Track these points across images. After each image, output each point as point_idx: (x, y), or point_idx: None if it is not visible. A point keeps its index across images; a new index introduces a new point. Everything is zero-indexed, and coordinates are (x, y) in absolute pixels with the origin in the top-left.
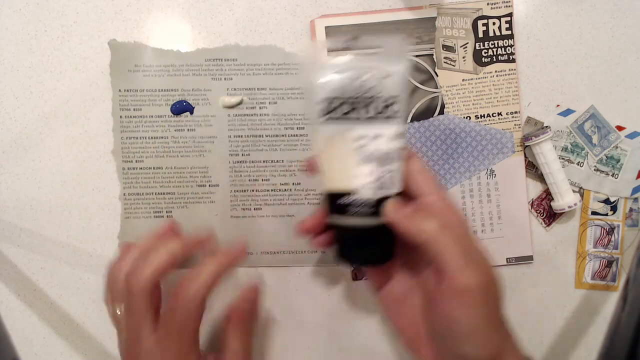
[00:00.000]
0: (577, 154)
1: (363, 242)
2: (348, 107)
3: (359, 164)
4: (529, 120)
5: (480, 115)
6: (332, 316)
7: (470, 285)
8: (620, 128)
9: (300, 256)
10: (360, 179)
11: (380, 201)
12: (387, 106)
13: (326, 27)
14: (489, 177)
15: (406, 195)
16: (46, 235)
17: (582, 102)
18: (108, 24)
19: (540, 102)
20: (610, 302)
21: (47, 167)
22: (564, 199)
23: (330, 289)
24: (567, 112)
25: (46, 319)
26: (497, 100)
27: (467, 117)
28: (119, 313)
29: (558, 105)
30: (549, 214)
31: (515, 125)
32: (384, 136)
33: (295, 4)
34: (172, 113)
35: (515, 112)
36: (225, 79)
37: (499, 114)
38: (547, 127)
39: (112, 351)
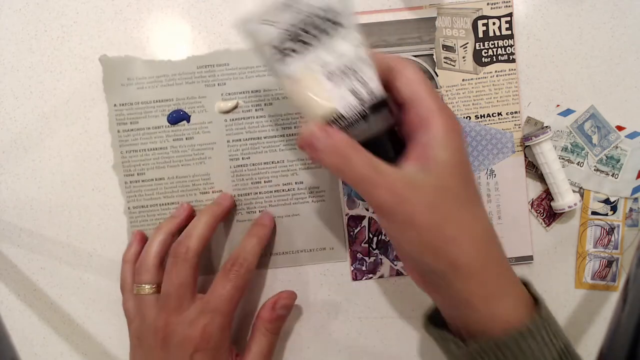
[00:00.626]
0: (577, 154)
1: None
2: (295, 40)
3: (330, 84)
4: (529, 120)
5: (480, 115)
6: (332, 316)
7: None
8: (620, 128)
9: (309, 255)
10: (336, 98)
11: (367, 111)
12: (329, 21)
13: None
14: (488, 177)
15: (401, 105)
16: (46, 235)
17: (582, 102)
18: (108, 24)
19: (540, 102)
20: (610, 302)
21: (47, 167)
22: (564, 199)
23: (330, 289)
24: (567, 112)
25: (46, 319)
26: (497, 100)
27: (467, 117)
28: (145, 293)
29: (558, 105)
30: (549, 214)
31: (515, 125)
32: (340, 50)
33: None
34: (169, 123)
35: (515, 112)
36: (218, 84)
37: (499, 114)
38: (547, 127)
39: (112, 351)
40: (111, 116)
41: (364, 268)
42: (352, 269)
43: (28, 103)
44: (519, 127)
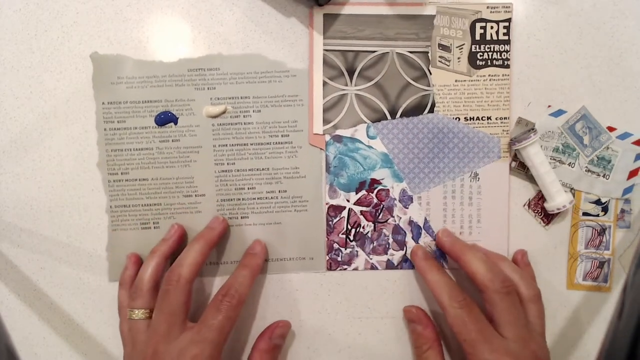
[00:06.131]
0: (569, 155)
1: None
2: None
3: None
4: (519, 121)
5: (470, 117)
6: (332, 316)
7: None
8: (611, 129)
9: (289, 263)
10: None
11: None
12: None
13: (324, 15)
14: (472, 180)
15: None
16: (46, 235)
17: (581, 102)
18: (108, 24)
19: (540, 102)
20: (603, 304)
21: (47, 167)
22: (555, 200)
23: (330, 289)
24: (558, 113)
25: (46, 319)
26: (488, 105)
27: (456, 118)
28: (137, 317)
29: (549, 106)
30: (547, 212)
31: (503, 130)
32: None
33: (295, 4)
34: (157, 124)
35: (505, 118)
36: (208, 88)
37: (489, 118)
38: (533, 129)
39: (112, 351)
40: (99, 114)
41: (339, 259)
42: (328, 258)
43: (28, 103)
44: (507, 134)
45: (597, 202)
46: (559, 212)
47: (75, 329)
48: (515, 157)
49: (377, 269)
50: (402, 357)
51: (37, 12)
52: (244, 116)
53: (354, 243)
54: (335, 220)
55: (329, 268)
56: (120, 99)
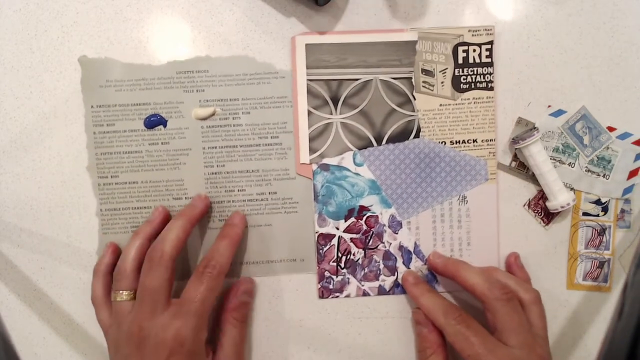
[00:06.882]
0: (569, 155)
1: None
2: None
3: None
4: (520, 121)
5: (456, 141)
6: (332, 316)
7: None
8: (611, 129)
9: (279, 265)
10: None
11: None
12: None
13: (307, 45)
14: (460, 203)
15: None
16: (46, 235)
17: (581, 102)
18: (108, 24)
19: (540, 102)
20: (603, 304)
21: (47, 167)
22: (557, 199)
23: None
24: (558, 113)
25: (46, 319)
26: (473, 127)
27: (442, 142)
28: (122, 299)
29: (549, 106)
30: (547, 212)
31: (489, 153)
32: None
33: (295, 4)
34: (146, 127)
35: (491, 140)
36: (197, 90)
37: (474, 140)
38: (535, 128)
39: None
40: (87, 117)
41: (331, 286)
42: (319, 286)
43: (28, 103)
44: (494, 155)
45: (597, 202)
46: (560, 212)
47: (75, 329)
48: (515, 157)
49: (369, 295)
50: (402, 357)
51: (37, 12)
52: (233, 118)
53: (345, 270)
54: (325, 249)
55: (321, 296)
56: (109, 102)
